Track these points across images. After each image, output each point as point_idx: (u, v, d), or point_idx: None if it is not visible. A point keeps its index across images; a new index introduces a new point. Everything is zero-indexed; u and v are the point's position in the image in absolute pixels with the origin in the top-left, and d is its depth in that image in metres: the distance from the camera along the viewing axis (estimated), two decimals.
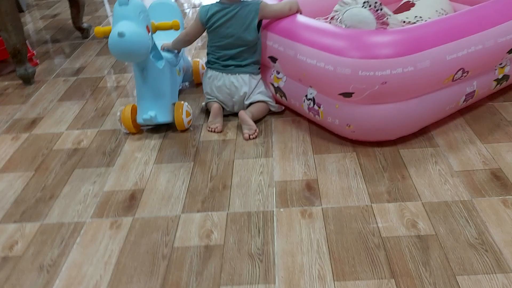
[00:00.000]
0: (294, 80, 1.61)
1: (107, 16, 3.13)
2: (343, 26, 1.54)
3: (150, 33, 1.55)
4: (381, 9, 1.48)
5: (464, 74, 1.47)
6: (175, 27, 1.63)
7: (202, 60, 2.00)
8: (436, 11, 1.98)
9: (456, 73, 1.43)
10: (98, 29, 1.60)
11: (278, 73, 1.69)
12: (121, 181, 1.46)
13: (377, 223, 1.20)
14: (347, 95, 1.41)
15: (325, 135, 1.60)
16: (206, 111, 1.81)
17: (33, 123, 1.86)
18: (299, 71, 1.53)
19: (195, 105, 1.88)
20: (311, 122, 1.68)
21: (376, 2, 1.49)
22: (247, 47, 1.64)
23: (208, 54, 1.73)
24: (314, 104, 1.55)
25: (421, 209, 1.23)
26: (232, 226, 1.23)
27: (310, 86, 1.54)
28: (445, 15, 2.00)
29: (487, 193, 1.27)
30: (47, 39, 2.80)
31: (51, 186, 1.46)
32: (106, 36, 1.61)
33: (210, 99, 1.75)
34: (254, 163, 1.49)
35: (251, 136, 1.62)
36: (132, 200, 1.37)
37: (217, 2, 1.63)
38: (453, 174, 1.35)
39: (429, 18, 1.92)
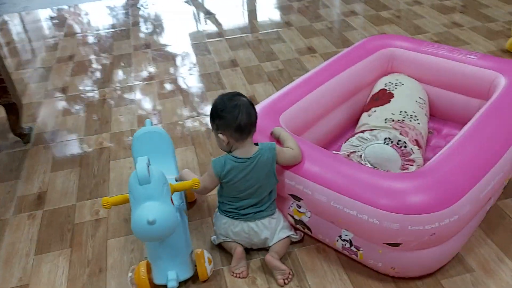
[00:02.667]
0: (324, 219, 1.55)
1: (39, 103, 2.77)
2: (367, 164, 1.51)
3: (174, 205, 1.39)
4: (405, 147, 1.47)
5: (490, 200, 1.53)
6: (196, 186, 1.48)
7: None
8: (416, 101, 2.04)
9: (485, 204, 1.49)
10: (107, 201, 1.39)
11: (299, 207, 1.61)
12: None
13: None
14: (394, 245, 1.40)
15: (360, 267, 1.57)
16: (219, 246, 1.69)
17: None
18: (333, 216, 1.48)
19: (199, 237, 1.74)
20: (337, 250, 1.64)
21: (399, 140, 1.48)
22: (267, 193, 1.55)
23: (221, 203, 1.61)
24: (351, 245, 1.51)
25: None
26: None
27: (346, 229, 1.50)
28: (424, 104, 2.07)
29: None
30: None
31: None
32: (116, 205, 1.42)
33: (227, 240, 1.63)
34: None
35: (286, 281, 1.54)
36: None
37: (232, 156, 1.51)
38: None
39: (413, 112, 1.97)
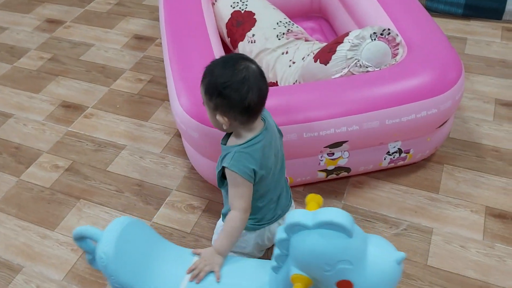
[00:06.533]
0: (369, 147, 1.39)
1: None
2: (372, 69, 1.39)
3: None
4: (388, 33, 1.40)
5: None
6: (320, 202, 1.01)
7: None
8: (273, 8, 1.92)
9: None
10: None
11: (331, 154, 1.38)
12: None
13: None
14: (443, 124, 1.41)
15: (398, 170, 1.53)
16: None
17: None
18: (387, 135, 1.35)
19: None
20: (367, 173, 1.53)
21: (384, 30, 1.39)
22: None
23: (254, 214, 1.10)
24: (400, 153, 1.43)
25: None
26: None
27: (396, 140, 1.39)
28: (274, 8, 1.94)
29: None
30: None
31: None
32: None
33: None
34: None
35: None
36: None
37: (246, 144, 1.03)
38: None
39: (284, 18, 1.85)
